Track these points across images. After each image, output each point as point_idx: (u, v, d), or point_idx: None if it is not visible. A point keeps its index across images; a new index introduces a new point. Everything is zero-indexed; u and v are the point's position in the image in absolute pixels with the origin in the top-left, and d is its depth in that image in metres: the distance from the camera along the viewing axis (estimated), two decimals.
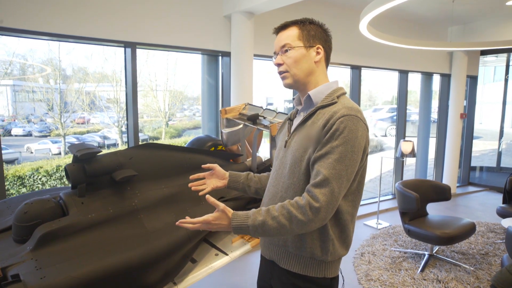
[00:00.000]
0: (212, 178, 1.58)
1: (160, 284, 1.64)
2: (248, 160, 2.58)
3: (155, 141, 7.73)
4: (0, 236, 1.64)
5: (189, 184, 1.56)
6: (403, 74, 6.24)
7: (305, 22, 1.35)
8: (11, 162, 6.26)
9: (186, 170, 2.07)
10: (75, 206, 1.61)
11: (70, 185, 1.74)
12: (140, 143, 4.60)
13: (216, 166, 1.57)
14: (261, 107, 2.63)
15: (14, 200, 1.89)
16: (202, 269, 1.84)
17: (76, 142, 2.01)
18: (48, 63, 6.56)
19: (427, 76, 6.86)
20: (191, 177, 1.57)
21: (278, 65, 1.36)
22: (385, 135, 10.73)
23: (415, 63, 6.24)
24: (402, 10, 5.37)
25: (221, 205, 1.23)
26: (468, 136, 7.40)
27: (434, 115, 7.27)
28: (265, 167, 2.57)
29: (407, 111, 6.46)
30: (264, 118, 2.53)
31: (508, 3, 5.29)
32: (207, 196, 1.29)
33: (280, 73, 1.37)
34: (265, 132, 2.50)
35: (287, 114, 2.47)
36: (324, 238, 1.28)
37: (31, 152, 6.83)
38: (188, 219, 1.24)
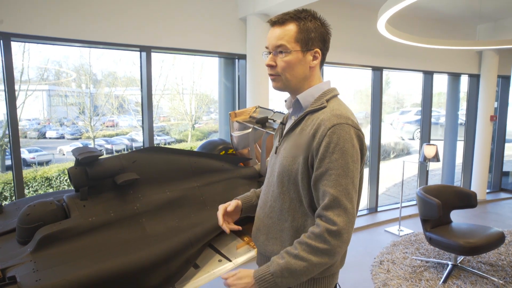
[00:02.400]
0: (230, 214, 1.50)
1: None
2: (258, 164, 2.54)
3: (180, 144, 7.84)
4: (7, 237, 1.67)
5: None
6: (428, 75, 6.01)
7: (306, 18, 1.21)
8: (45, 163, 6.52)
9: (191, 174, 2.05)
10: (76, 209, 1.62)
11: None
12: (165, 145, 4.64)
13: (229, 204, 1.47)
14: (272, 110, 2.58)
15: (23, 201, 1.94)
16: (204, 275, 1.81)
17: (80, 146, 2.03)
18: (80, 69, 6.82)
19: (454, 77, 6.59)
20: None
21: (270, 66, 1.26)
22: (413, 138, 10.41)
23: (440, 63, 6.00)
24: (425, 9, 5.18)
25: (238, 271, 1.18)
26: (499, 139, 7.04)
27: (463, 118, 6.97)
28: None
29: (436, 113, 6.23)
30: (274, 121, 2.49)
31: None
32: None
33: (271, 75, 1.28)
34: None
35: None
36: None
37: (63, 154, 7.09)
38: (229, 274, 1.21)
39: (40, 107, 7.18)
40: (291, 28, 1.21)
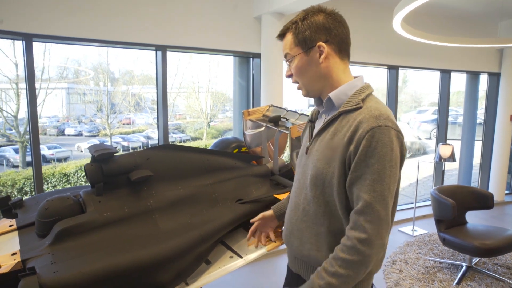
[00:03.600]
0: (266, 223, 1.65)
1: (172, 284, 1.66)
2: (270, 162, 2.55)
3: (196, 142, 7.91)
4: (27, 230, 1.74)
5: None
6: (445, 74, 5.91)
7: (297, 22, 1.20)
8: (63, 160, 6.70)
9: (204, 172, 2.08)
10: (92, 204, 1.68)
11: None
12: (180, 143, 4.70)
13: (263, 214, 1.62)
14: (285, 109, 2.60)
15: (42, 196, 2.01)
16: (215, 271, 1.84)
17: (97, 143, 2.09)
18: (98, 67, 6.97)
19: (473, 76, 6.45)
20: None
21: (289, 76, 1.28)
22: (430, 138, 10.25)
23: (459, 62, 5.89)
24: (443, 6, 5.09)
25: None
26: None
27: (481, 117, 6.82)
28: (288, 169, 2.54)
29: (455, 112, 6.11)
30: (287, 120, 2.50)
31: None
32: None
33: (295, 84, 1.29)
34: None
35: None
36: None
37: (81, 151, 7.27)
38: None
39: (59, 104, 7.37)
40: (288, 37, 1.23)
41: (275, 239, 2.15)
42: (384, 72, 5.43)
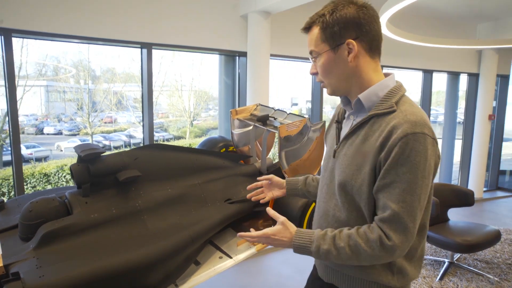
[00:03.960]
0: (270, 188, 1.58)
1: (161, 286, 1.64)
2: (258, 161, 2.55)
3: (179, 141, 7.84)
4: (9, 233, 1.68)
5: (248, 195, 1.58)
6: (427, 74, 6.03)
7: (325, 14, 1.10)
8: (42, 159, 6.52)
9: (192, 172, 2.06)
10: (79, 205, 1.63)
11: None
12: (161, 142, 4.65)
13: (273, 176, 1.56)
14: (273, 108, 2.60)
15: (24, 198, 1.95)
16: (205, 272, 1.83)
17: (83, 143, 2.04)
18: (79, 65, 6.80)
19: (454, 76, 6.62)
20: (249, 187, 1.60)
21: (313, 74, 1.20)
22: None
23: (440, 62, 6.02)
24: (425, 8, 5.19)
25: (282, 218, 1.16)
26: (497, 138, 7.08)
27: (461, 116, 7.00)
28: (276, 169, 2.54)
29: (435, 112, 6.25)
30: (275, 119, 2.50)
31: None
32: (268, 208, 1.25)
33: (320, 82, 1.21)
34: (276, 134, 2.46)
35: (298, 115, 2.43)
36: (392, 261, 1.12)
37: (61, 150, 7.08)
38: (248, 232, 1.21)
39: (38, 102, 7.17)
40: (315, 31, 1.13)
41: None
42: None
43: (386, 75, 1.15)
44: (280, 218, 1.17)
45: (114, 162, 1.74)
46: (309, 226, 1.97)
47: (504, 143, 7.20)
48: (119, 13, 3.35)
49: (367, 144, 1.09)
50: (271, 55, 4.16)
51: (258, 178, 1.60)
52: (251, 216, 2.31)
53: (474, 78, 6.61)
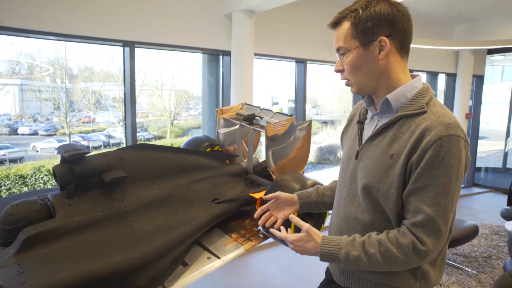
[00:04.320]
0: (279, 208, 1.39)
1: None
2: (244, 160, 2.54)
3: (159, 140, 7.73)
4: None
5: (260, 222, 1.40)
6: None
7: (358, 10, 1.06)
8: (16, 161, 6.30)
9: (179, 172, 2.03)
10: (62, 208, 1.58)
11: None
12: (144, 142, 4.57)
13: (280, 194, 1.38)
14: (258, 107, 2.59)
15: (3, 201, 1.87)
16: (193, 273, 1.81)
17: (65, 143, 1.98)
18: (55, 63, 6.60)
19: (432, 76, 6.78)
20: (256, 215, 1.40)
21: (338, 71, 1.16)
22: None
23: (419, 62, 6.16)
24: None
25: (306, 225, 1.12)
26: (473, 136, 7.30)
27: None
28: (262, 168, 2.54)
29: None
30: (261, 118, 2.49)
31: None
32: (291, 216, 1.19)
33: (345, 80, 1.17)
34: (263, 133, 2.46)
35: (285, 114, 2.43)
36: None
37: (37, 151, 6.87)
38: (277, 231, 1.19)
39: (11, 102, 6.94)
40: (345, 26, 1.09)
41: (252, 238, 2.14)
42: None
43: (413, 76, 1.13)
44: (305, 226, 1.13)
45: (99, 162, 1.70)
46: (297, 230, 1.97)
47: (479, 141, 7.44)
48: (101, 10, 3.26)
49: (396, 145, 1.07)
50: (255, 54, 4.15)
51: (263, 198, 1.42)
52: (238, 215, 2.30)
53: (451, 78, 6.79)
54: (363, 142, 1.18)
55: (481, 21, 6.20)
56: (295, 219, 1.17)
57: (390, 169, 1.06)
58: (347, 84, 1.17)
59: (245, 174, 2.43)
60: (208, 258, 1.92)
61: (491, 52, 7.01)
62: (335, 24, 1.12)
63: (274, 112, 2.50)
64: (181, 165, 2.06)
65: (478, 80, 7.14)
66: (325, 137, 11.32)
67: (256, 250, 4.11)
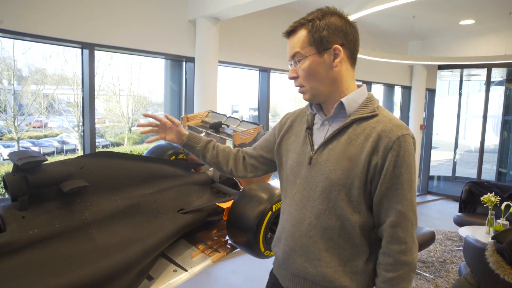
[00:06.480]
0: (167, 130, 1.50)
1: None
2: (210, 169, 2.48)
3: (117, 147, 7.44)
4: None
5: (137, 124, 1.49)
6: (367, 85, 6.38)
7: (314, 19, 1.12)
8: None
9: (143, 181, 1.94)
10: (14, 221, 1.44)
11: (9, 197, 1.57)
12: (100, 149, 4.37)
13: (179, 123, 1.49)
14: (225, 115, 2.56)
15: None
16: (159, 287, 1.72)
17: (16, 150, 1.83)
18: (1, 62, 6.16)
19: (389, 88, 7.09)
20: (144, 114, 1.53)
21: (293, 78, 1.19)
22: None
23: (378, 75, 6.42)
24: (366, 23, 5.51)
25: None
26: (427, 146, 7.68)
27: None
28: (228, 177, 2.49)
29: None
30: (228, 126, 2.46)
31: (461, 22, 5.58)
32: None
33: (298, 87, 1.20)
34: (229, 141, 2.42)
35: (251, 122, 2.41)
36: (356, 269, 1.16)
37: None
38: None
39: None
40: (301, 33, 1.14)
41: (220, 249, 2.09)
42: None
43: (359, 86, 1.21)
44: None
45: (58, 171, 1.57)
46: (266, 235, 1.95)
47: (432, 151, 7.86)
48: (57, 8, 3.08)
49: (353, 148, 1.11)
50: (219, 61, 4.12)
51: (165, 114, 1.52)
52: (205, 226, 2.23)
53: (407, 90, 7.14)
54: (315, 147, 1.20)
55: (432, 39, 6.60)
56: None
57: (349, 171, 1.10)
58: (300, 91, 1.21)
59: (211, 183, 2.37)
60: (175, 271, 1.84)
61: (440, 67, 7.47)
62: (291, 32, 1.17)
63: (241, 120, 2.48)
64: (145, 174, 1.97)
65: (431, 93, 7.56)
66: None
67: (220, 260, 4.02)
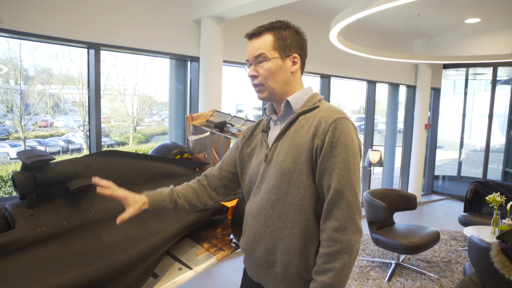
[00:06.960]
0: (125, 205, 1.41)
1: None
2: None
3: (122, 147, 7.48)
4: None
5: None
6: (371, 84, 6.37)
7: (281, 28, 1.28)
8: None
9: (149, 179, 1.96)
10: (23, 218, 1.47)
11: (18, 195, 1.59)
12: (105, 148, 4.40)
13: (127, 197, 1.41)
14: (229, 115, 2.57)
15: None
16: (164, 285, 1.74)
17: (24, 149, 1.86)
18: (8, 63, 6.21)
19: (394, 87, 7.05)
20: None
21: (253, 76, 1.29)
22: None
23: (382, 74, 6.39)
24: (371, 22, 5.50)
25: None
26: (432, 146, 7.65)
27: (401, 125, 7.48)
28: None
29: (376, 121, 6.59)
30: (232, 125, 2.47)
31: (466, 21, 5.54)
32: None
33: (255, 85, 1.30)
34: (233, 140, 2.43)
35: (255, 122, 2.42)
36: (309, 255, 1.21)
37: None
38: None
39: None
40: (268, 37, 1.26)
41: (224, 247, 2.10)
42: (316, 80, 5.67)
43: (308, 87, 1.36)
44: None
45: (65, 170, 1.60)
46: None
47: (437, 151, 7.82)
48: (64, 9, 3.11)
49: (299, 137, 1.22)
50: (224, 61, 4.13)
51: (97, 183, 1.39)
52: (209, 225, 2.25)
53: (411, 90, 7.10)
54: (271, 145, 1.30)
55: (437, 38, 6.57)
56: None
57: (297, 158, 1.20)
58: (258, 90, 1.31)
59: None
60: (180, 269, 1.86)
61: (446, 66, 7.42)
62: (256, 34, 1.29)
63: (245, 120, 2.49)
64: (150, 173, 1.98)
65: (436, 92, 7.53)
66: None
67: (225, 259, 4.04)
